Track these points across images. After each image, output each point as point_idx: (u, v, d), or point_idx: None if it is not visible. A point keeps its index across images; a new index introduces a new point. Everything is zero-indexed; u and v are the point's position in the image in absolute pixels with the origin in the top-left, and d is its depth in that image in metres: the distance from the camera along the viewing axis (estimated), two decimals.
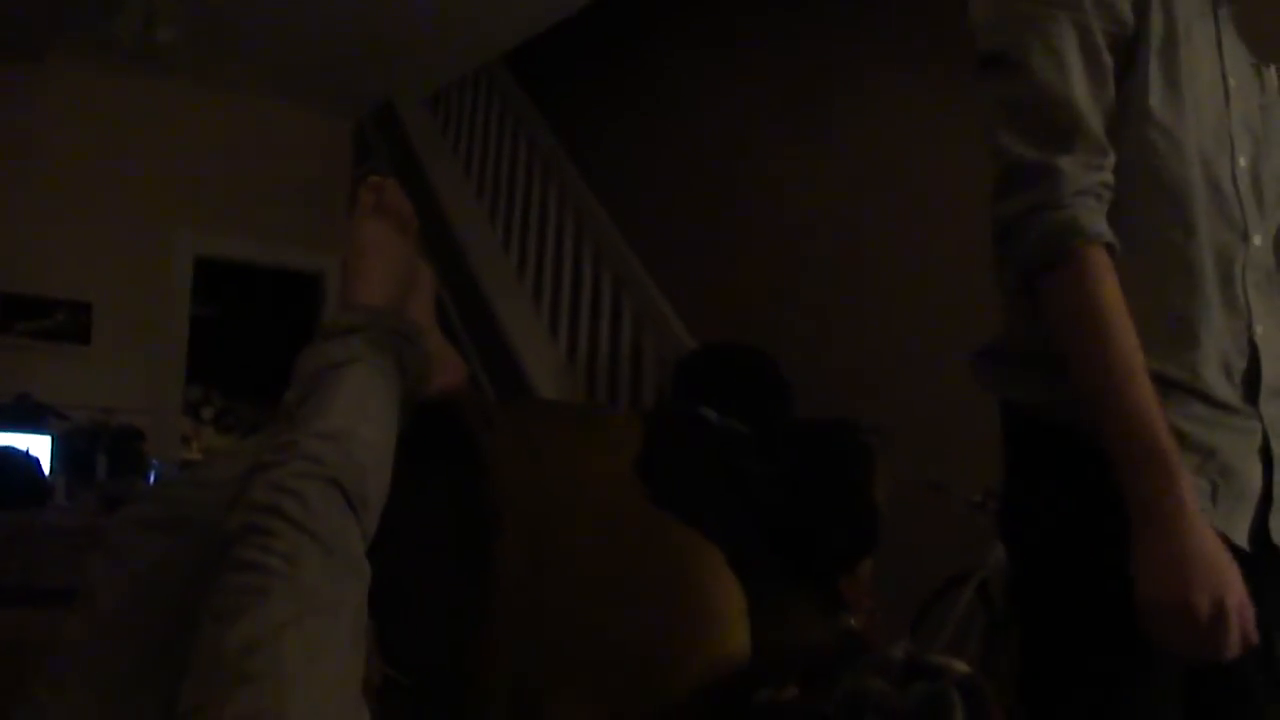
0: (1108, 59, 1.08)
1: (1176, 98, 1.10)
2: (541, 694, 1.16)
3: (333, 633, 0.90)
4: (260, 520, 0.92)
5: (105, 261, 4.92)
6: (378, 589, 0.98)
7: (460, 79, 5.18)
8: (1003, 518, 1.18)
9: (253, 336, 6.20)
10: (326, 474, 0.97)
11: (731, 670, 1.25)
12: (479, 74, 5.09)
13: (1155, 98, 1.09)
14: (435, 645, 1.15)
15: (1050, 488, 1.10)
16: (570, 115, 4.85)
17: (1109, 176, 1.06)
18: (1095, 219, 1.03)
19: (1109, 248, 1.03)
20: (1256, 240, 1.13)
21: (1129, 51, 1.10)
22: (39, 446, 3.97)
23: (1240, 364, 1.10)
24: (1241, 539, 1.05)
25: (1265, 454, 1.09)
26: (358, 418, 1.05)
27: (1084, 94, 1.06)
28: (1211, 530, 0.97)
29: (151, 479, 4.08)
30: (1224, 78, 1.16)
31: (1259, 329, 1.11)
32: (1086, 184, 1.04)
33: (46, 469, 3.92)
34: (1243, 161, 1.14)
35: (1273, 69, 1.26)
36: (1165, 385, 1.03)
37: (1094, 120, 1.06)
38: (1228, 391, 1.09)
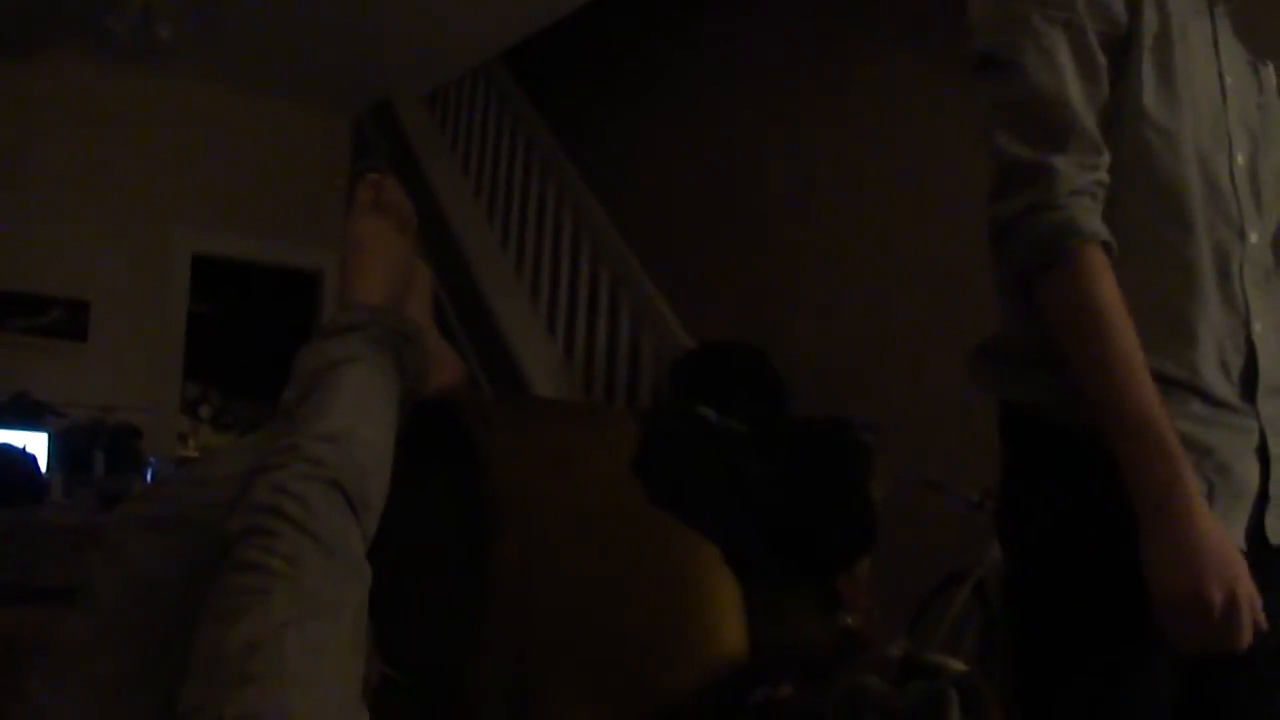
0: (1101, 58, 1.09)
1: (1172, 96, 1.10)
2: (539, 693, 1.16)
3: (333, 634, 0.90)
4: (262, 521, 0.93)
5: (103, 259, 4.92)
6: (376, 588, 0.98)
7: (459, 77, 5.17)
8: (1001, 517, 1.18)
9: (250, 334, 6.19)
10: (328, 476, 0.97)
11: (729, 669, 1.25)
12: (478, 72, 5.08)
13: (1149, 96, 1.09)
14: (433, 644, 1.15)
15: (1048, 486, 1.10)
16: (569, 114, 4.85)
17: (1104, 175, 1.07)
18: (1091, 218, 1.04)
19: (1106, 246, 1.04)
20: (1254, 238, 1.13)
21: (1122, 51, 1.10)
22: (36, 444, 3.96)
23: (1238, 362, 1.10)
24: (1238, 538, 1.05)
25: (1262, 452, 1.10)
26: (358, 418, 1.05)
27: (1077, 94, 1.07)
28: (1218, 522, 0.98)
29: (149, 477, 4.06)
30: (1220, 75, 1.16)
31: (1257, 326, 1.12)
32: (1082, 183, 1.04)
33: (44, 466, 3.91)
34: (1240, 159, 1.15)
35: (1270, 67, 1.26)
36: (1164, 383, 1.03)
37: (1088, 119, 1.07)
38: (1225, 389, 1.09)
